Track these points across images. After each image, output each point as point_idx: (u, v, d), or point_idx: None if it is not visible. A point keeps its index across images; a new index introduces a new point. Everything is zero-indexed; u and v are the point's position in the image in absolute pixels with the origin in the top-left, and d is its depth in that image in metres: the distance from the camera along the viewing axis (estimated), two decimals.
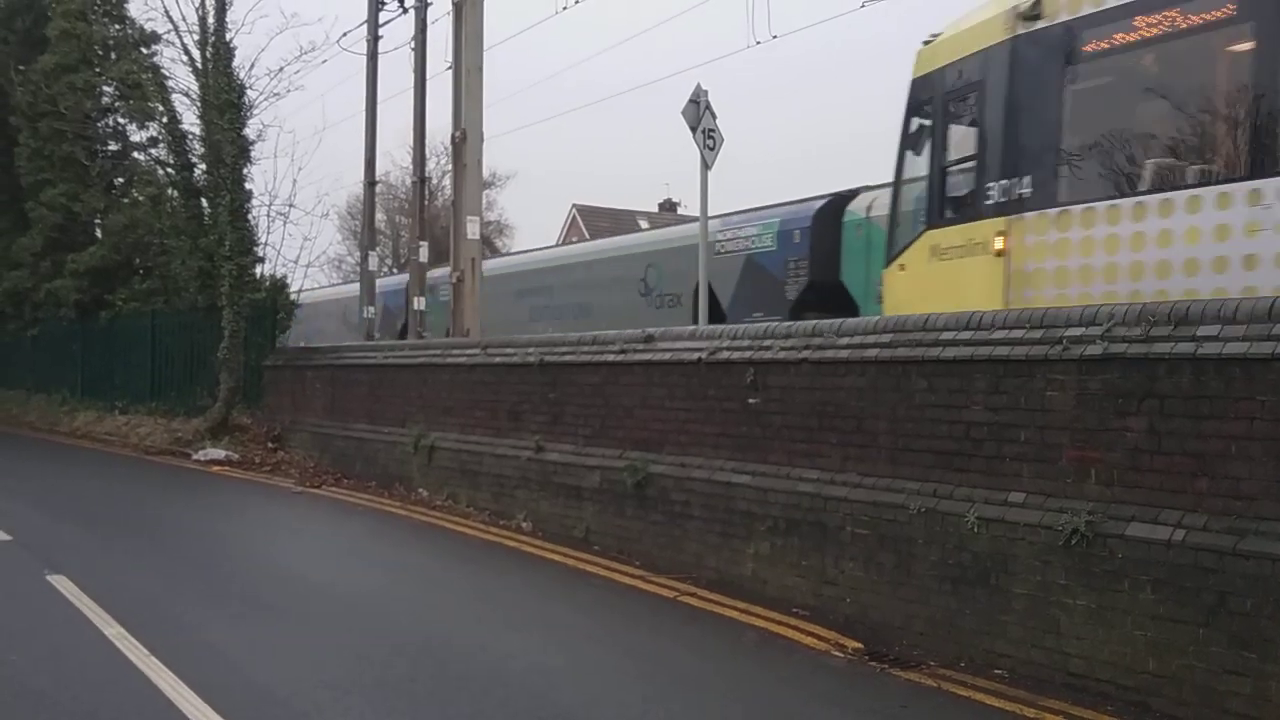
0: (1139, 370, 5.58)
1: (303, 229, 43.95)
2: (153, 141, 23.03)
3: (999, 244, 8.32)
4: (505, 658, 6.30)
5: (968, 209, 8.87)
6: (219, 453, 15.99)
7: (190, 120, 20.08)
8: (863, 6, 13.88)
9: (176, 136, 20.19)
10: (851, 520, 7.03)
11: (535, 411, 10.55)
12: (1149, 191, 7.45)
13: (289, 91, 23.78)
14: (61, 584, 7.77)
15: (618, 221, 39.63)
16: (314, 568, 9.08)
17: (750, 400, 8.01)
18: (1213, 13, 7.18)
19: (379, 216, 27.94)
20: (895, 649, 6.43)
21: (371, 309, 18.75)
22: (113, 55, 22.98)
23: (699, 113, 10.01)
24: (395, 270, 37.08)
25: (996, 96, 8.63)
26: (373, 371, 14.10)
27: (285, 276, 19.55)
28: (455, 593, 8.22)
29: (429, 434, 12.28)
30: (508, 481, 10.78)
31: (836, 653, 6.42)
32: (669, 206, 44.04)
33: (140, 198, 21.65)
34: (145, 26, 22.70)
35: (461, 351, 12.21)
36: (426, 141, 17.81)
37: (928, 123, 9.57)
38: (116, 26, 23.38)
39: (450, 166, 15.86)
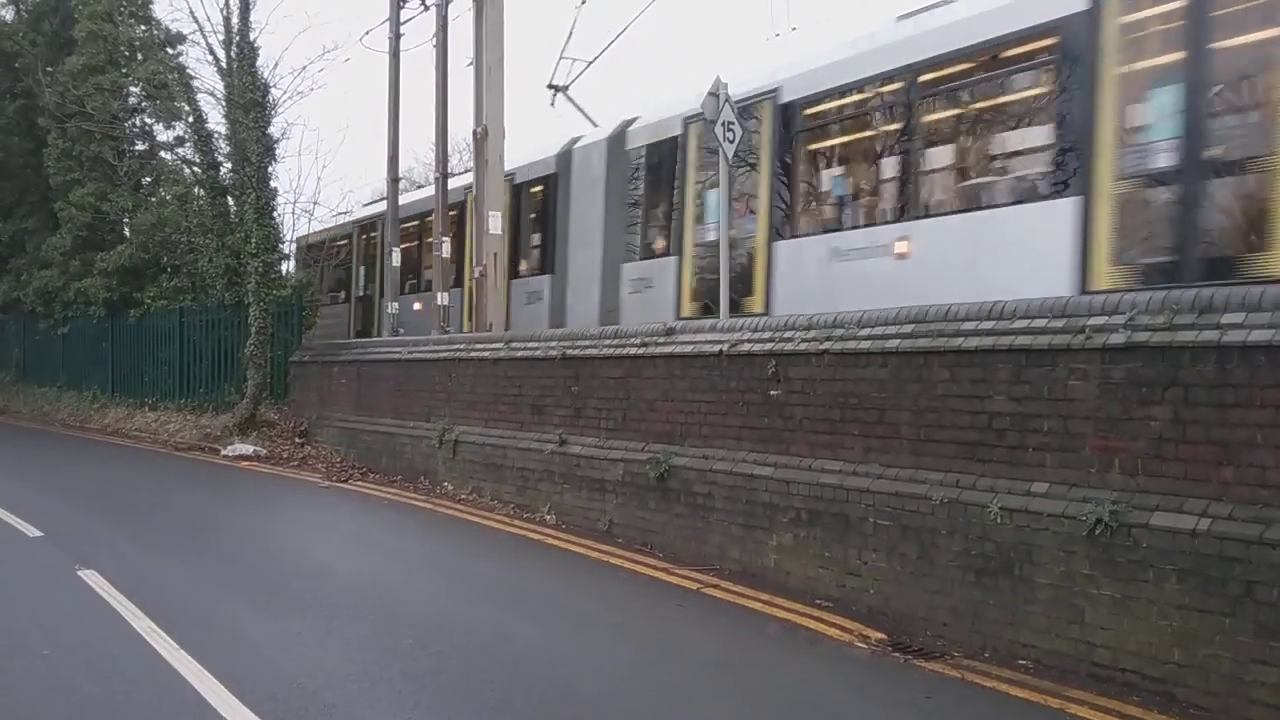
0: (1163, 359, 5.55)
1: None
2: (179, 141, 23.35)
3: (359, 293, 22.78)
4: (530, 649, 6.34)
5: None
6: (247, 448, 16.16)
7: (216, 119, 20.36)
8: None
9: (202, 136, 20.40)
10: (874, 511, 7.02)
11: (558, 405, 10.60)
12: (342, 301, 22.64)
13: (312, 90, 24.20)
14: (92, 578, 7.89)
15: None
16: (341, 561, 9.16)
17: (772, 392, 8.01)
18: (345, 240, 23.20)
19: None
20: (919, 640, 6.43)
21: (395, 305, 18.86)
22: (139, 56, 23.22)
23: (718, 106, 9.96)
24: None
25: (353, 248, 22.72)
26: (398, 366, 14.19)
27: (311, 273, 19.79)
28: (480, 585, 8.28)
29: (454, 428, 12.36)
30: (531, 475, 10.83)
31: (860, 644, 6.43)
32: None
33: (167, 197, 21.86)
34: (171, 27, 23.03)
35: (485, 346, 12.26)
36: (449, 137, 17.89)
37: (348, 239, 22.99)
38: (142, 27, 23.61)
39: (472, 162, 15.92)
